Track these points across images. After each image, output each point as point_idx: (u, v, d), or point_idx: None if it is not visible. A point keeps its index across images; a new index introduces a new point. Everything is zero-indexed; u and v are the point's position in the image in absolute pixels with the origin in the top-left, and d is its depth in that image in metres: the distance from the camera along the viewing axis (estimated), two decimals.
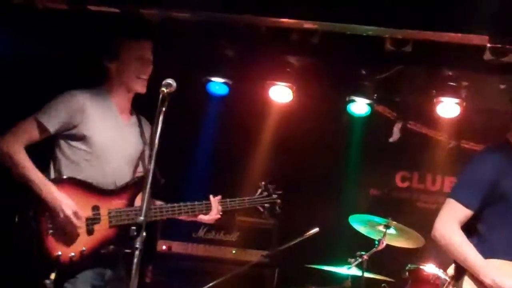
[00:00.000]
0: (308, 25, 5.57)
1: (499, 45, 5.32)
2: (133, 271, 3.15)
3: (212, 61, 6.25)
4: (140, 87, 4.13)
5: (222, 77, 6.34)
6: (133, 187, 4.02)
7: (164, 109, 3.35)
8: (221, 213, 4.33)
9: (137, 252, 3.16)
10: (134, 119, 4.21)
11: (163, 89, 3.38)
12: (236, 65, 6.23)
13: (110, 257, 3.91)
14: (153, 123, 3.38)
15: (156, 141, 3.29)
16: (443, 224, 3.73)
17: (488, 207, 3.74)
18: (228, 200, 4.35)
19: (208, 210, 4.25)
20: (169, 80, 3.41)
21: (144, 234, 3.21)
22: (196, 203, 4.24)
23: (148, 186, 3.24)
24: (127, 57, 4.09)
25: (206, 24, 5.62)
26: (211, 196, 4.28)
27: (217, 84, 6.38)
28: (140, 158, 4.15)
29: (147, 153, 4.16)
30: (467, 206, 3.71)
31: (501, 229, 3.71)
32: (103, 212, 3.91)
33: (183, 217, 4.27)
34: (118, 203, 3.97)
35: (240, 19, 5.52)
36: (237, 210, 4.49)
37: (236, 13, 5.45)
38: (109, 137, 4.01)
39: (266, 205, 4.49)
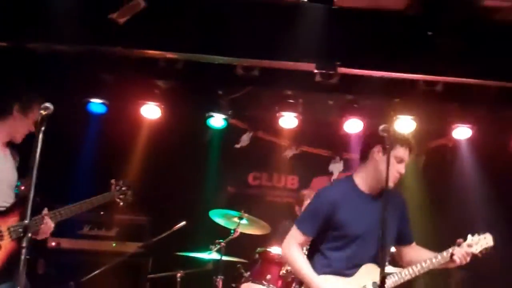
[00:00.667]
0: (170, 55, 5.84)
1: (324, 71, 5.73)
2: (21, 266, 3.26)
3: (92, 84, 6.31)
4: (21, 140, 4.17)
5: (101, 98, 6.44)
6: (21, 204, 4.02)
7: (43, 128, 3.35)
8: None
9: (23, 250, 3.28)
10: (8, 149, 4.24)
11: (42, 111, 3.38)
12: (113, 87, 6.34)
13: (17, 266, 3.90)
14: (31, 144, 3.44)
15: (37, 157, 3.27)
16: (287, 245, 4.05)
17: (327, 232, 3.97)
18: (80, 202, 4.35)
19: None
20: (47, 104, 3.40)
21: (30, 234, 3.32)
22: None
23: (31, 195, 3.32)
24: (33, 117, 4.09)
25: (85, 54, 5.74)
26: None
27: (96, 104, 6.46)
28: (17, 181, 4.18)
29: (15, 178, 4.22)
30: (304, 234, 4.01)
31: (337, 250, 3.95)
32: (4, 229, 3.94)
33: None
34: (13, 220, 4.03)
35: (113, 51, 5.72)
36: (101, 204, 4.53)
37: (109, 45, 5.63)
38: None
39: (121, 196, 4.71)
